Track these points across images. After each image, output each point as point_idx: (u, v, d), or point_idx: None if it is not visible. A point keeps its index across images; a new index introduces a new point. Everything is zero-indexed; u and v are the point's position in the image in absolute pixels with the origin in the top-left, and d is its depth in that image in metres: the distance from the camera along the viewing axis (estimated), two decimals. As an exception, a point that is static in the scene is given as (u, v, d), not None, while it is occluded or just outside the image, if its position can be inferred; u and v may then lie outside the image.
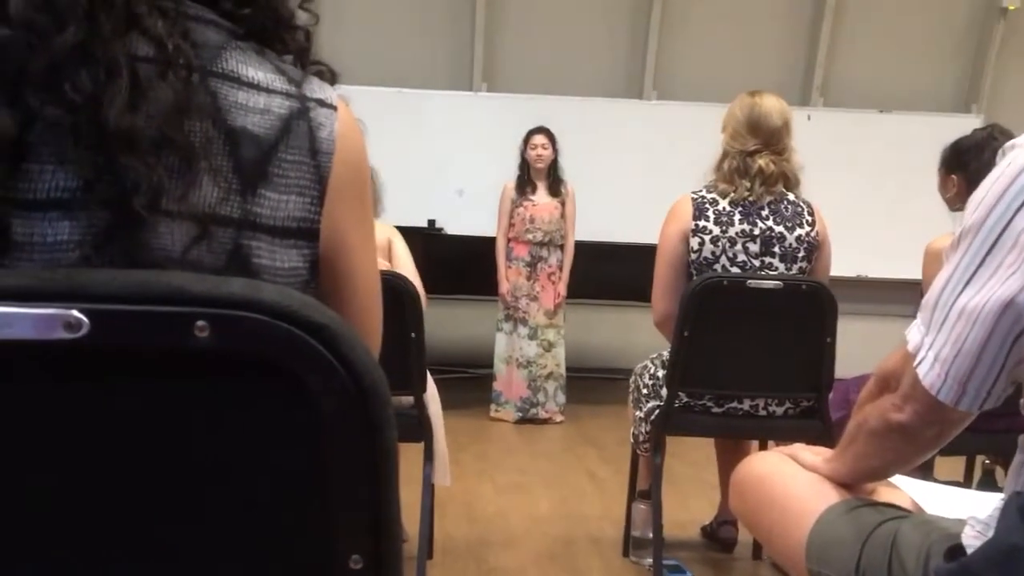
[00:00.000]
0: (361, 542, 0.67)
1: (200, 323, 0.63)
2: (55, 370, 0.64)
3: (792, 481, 1.29)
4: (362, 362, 0.66)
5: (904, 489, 1.33)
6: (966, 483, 2.92)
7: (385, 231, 2.93)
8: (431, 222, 5.38)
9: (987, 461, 2.88)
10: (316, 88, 0.81)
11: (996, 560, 0.88)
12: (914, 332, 1.05)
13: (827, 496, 1.23)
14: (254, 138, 0.75)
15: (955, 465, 2.97)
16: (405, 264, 2.87)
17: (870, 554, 1.12)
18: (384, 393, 0.67)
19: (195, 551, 0.68)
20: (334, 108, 0.81)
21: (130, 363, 0.64)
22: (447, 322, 5.21)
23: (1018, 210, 0.93)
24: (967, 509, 1.06)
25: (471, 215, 5.34)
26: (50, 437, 0.65)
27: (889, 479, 1.30)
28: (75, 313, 0.61)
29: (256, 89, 0.77)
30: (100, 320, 0.62)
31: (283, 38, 0.84)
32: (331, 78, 0.86)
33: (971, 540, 0.99)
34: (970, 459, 3.00)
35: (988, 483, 2.80)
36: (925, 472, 2.21)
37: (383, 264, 2.75)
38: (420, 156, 5.59)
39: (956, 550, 0.99)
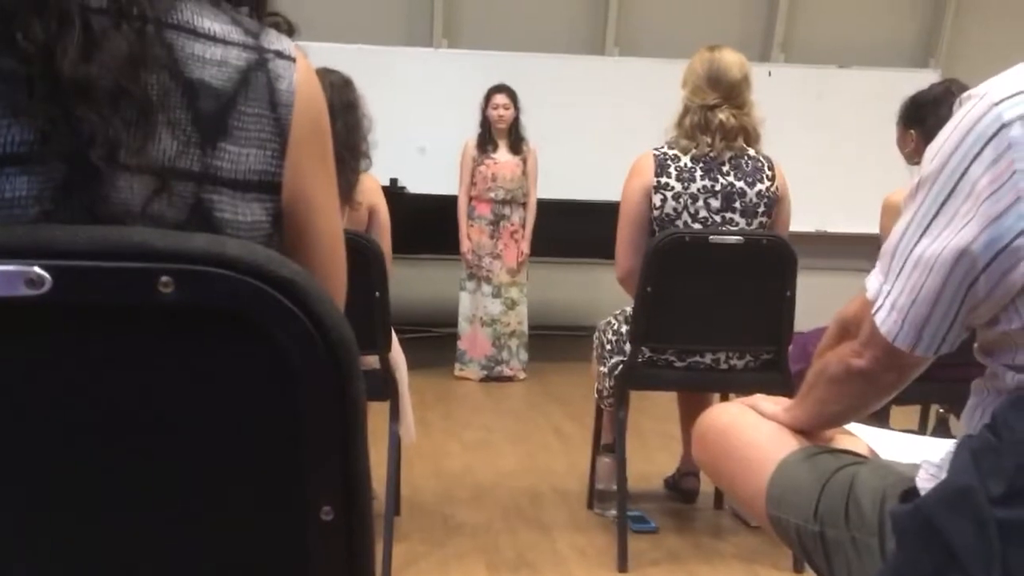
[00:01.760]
0: (332, 493, 0.68)
1: (164, 279, 0.62)
2: (18, 327, 0.63)
3: (752, 430, 1.32)
4: (329, 315, 0.66)
5: (860, 437, 1.36)
6: (921, 432, 3.00)
7: (368, 197, 2.69)
8: (393, 181, 5.32)
9: (941, 410, 2.95)
10: (274, 39, 0.80)
11: (948, 500, 0.90)
12: (872, 280, 1.07)
13: (786, 444, 1.26)
14: (212, 90, 0.74)
15: (910, 414, 3.04)
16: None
17: (828, 499, 1.15)
18: (352, 346, 0.67)
19: (165, 506, 0.68)
20: (292, 60, 0.80)
21: (94, 320, 0.64)
22: (411, 282, 5.19)
23: (973, 160, 0.95)
24: (921, 454, 1.09)
25: (433, 174, 5.28)
26: (13, 395, 0.65)
27: (846, 427, 1.33)
28: (37, 270, 0.61)
29: (212, 41, 0.76)
30: (63, 276, 0.61)
31: (239, -11, 0.83)
32: (288, 29, 0.84)
33: (925, 483, 1.02)
34: (924, 408, 3.08)
35: (942, 431, 2.87)
36: (881, 421, 2.26)
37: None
38: (380, 114, 5.47)
39: (911, 492, 1.02)
